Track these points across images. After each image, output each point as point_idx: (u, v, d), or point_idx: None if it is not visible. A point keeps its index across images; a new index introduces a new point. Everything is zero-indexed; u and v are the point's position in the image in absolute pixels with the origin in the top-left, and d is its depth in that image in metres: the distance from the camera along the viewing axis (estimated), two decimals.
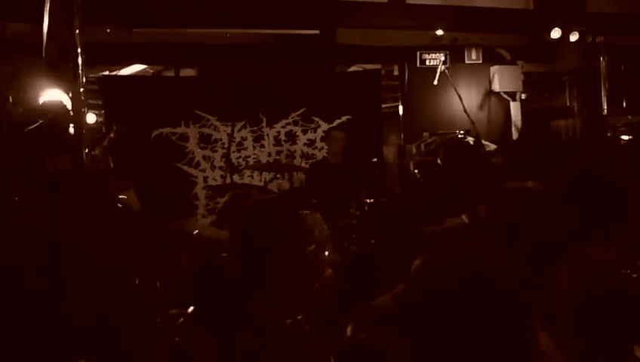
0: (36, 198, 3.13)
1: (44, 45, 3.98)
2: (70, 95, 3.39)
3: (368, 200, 5.55)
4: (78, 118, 3.34)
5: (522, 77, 8.22)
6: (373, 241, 5.29)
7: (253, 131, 7.30)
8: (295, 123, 7.41)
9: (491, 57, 8.17)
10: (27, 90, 4.39)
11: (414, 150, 7.49)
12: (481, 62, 8.14)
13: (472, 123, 6.45)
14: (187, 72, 8.03)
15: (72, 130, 3.50)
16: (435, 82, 7.28)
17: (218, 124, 7.16)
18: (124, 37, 6.13)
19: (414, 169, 7.21)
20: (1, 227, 0.85)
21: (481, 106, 8.12)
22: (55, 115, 3.52)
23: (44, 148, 4.19)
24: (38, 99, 4.31)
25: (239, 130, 7.21)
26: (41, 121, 3.70)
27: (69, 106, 3.49)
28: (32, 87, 4.27)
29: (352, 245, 5.24)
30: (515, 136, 8.04)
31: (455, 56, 7.98)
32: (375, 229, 5.46)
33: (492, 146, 6.98)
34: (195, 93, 7.21)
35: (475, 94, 8.09)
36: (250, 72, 7.84)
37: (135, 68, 7.59)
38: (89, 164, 3.28)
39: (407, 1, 6.80)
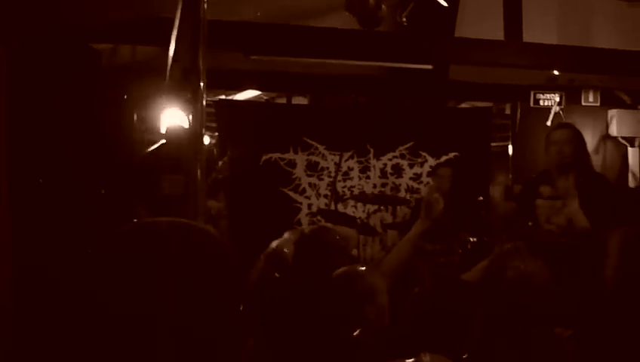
0: (150, 217, 3.26)
1: (168, 68, 4.19)
2: (190, 116, 3.53)
3: (472, 239, 5.45)
4: (197, 141, 3.47)
5: None
6: None
7: (359, 162, 7.34)
8: (402, 156, 7.39)
9: (609, 100, 7.87)
10: (151, 110, 4.63)
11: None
12: (598, 104, 7.86)
13: None
14: (299, 100, 8.22)
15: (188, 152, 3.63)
16: (549, 123, 7.09)
17: (326, 152, 7.25)
18: (242, 63, 6.33)
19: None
20: (117, 243, 0.91)
21: (596, 150, 7.83)
22: (177, 139, 3.68)
23: (161, 169, 4.37)
24: (160, 118, 4.53)
25: (346, 160, 7.27)
26: (163, 141, 3.88)
27: (188, 127, 3.63)
28: (155, 107, 4.50)
29: None
30: (631, 183, 7.70)
31: (570, 98, 7.73)
32: None
33: None
34: (306, 121, 7.35)
35: (590, 138, 7.79)
36: (360, 103, 7.91)
37: (249, 93, 7.84)
38: (203, 187, 3.40)
39: (525, 40, 6.67)
